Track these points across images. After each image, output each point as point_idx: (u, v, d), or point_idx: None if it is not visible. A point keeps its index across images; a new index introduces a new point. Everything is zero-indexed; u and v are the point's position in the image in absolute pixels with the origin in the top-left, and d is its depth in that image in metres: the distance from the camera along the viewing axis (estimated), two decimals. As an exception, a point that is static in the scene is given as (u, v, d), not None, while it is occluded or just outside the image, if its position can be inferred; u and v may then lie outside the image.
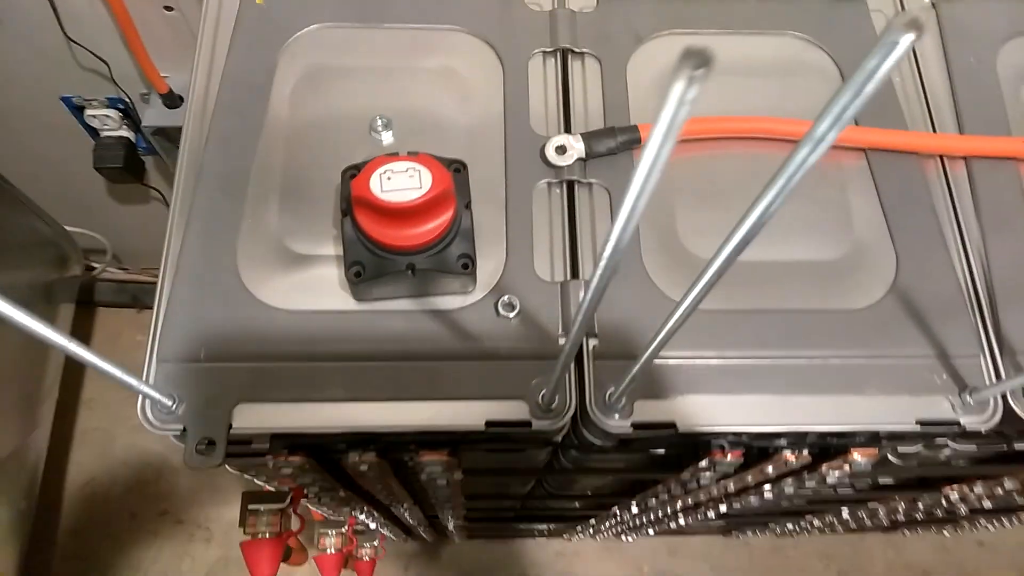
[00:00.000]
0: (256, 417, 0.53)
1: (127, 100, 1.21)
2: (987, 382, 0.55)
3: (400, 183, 0.50)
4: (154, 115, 1.17)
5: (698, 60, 0.18)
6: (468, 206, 0.57)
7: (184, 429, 0.52)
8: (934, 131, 0.64)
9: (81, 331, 1.80)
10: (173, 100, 1.13)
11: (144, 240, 1.57)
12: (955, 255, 0.60)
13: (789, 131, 0.62)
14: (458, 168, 0.57)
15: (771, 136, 0.62)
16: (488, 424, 0.53)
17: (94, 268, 1.66)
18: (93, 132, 1.27)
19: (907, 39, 0.16)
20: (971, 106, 0.64)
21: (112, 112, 1.22)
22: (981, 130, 0.63)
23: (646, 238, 0.59)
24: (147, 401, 0.52)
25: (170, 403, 0.51)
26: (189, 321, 0.55)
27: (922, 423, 0.54)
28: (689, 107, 0.19)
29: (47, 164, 1.36)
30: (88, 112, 1.22)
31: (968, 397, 0.54)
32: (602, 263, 0.28)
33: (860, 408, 0.54)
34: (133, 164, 1.29)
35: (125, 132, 1.27)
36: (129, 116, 1.24)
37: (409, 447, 0.60)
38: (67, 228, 1.46)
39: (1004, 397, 0.54)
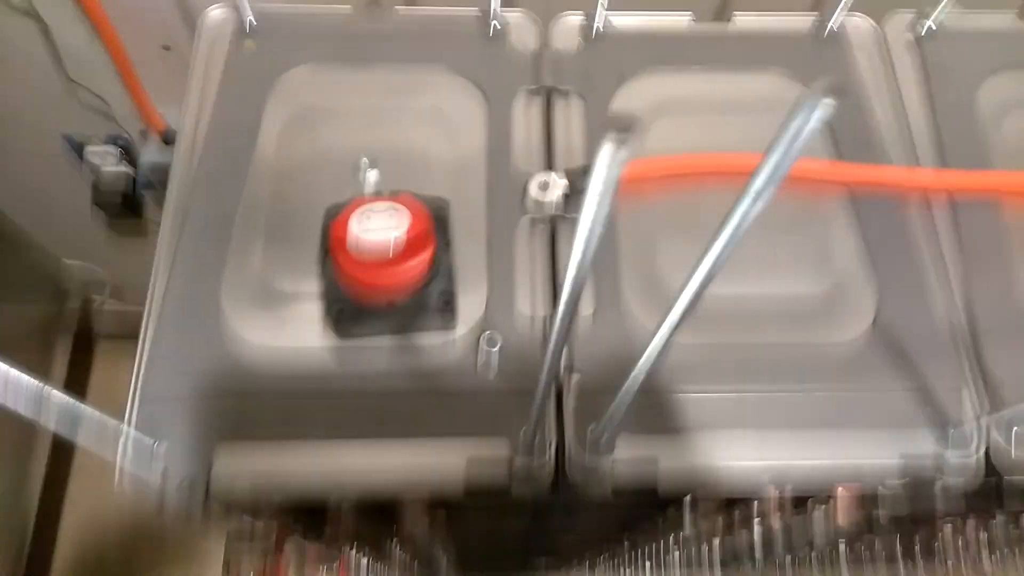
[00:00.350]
0: (237, 458, 0.53)
1: (127, 137, 1.22)
2: (970, 417, 0.55)
3: (379, 224, 0.51)
4: (152, 152, 1.18)
5: (623, 125, 0.18)
6: (449, 245, 0.57)
7: (165, 471, 0.52)
8: (917, 166, 0.64)
9: (81, 363, 1.80)
10: (171, 137, 1.14)
11: (145, 273, 1.58)
12: (937, 290, 0.60)
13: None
14: (439, 207, 0.57)
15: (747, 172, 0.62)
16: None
17: (93, 301, 1.67)
18: (93, 168, 1.28)
19: (827, 103, 0.16)
20: (953, 142, 0.65)
21: (112, 149, 1.24)
22: (964, 165, 0.64)
23: (627, 273, 0.59)
24: (128, 443, 0.52)
25: (150, 447, 0.51)
26: (172, 361, 0.56)
27: (906, 457, 0.54)
28: (620, 168, 0.19)
29: (46, 199, 1.38)
30: (88, 149, 1.24)
31: (952, 432, 0.53)
32: (557, 320, 0.28)
33: (844, 443, 0.54)
34: (132, 200, 1.30)
35: (125, 168, 1.28)
36: (129, 152, 1.26)
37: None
38: (67, 262, 1.47)
39: (988, 433, 0.54)
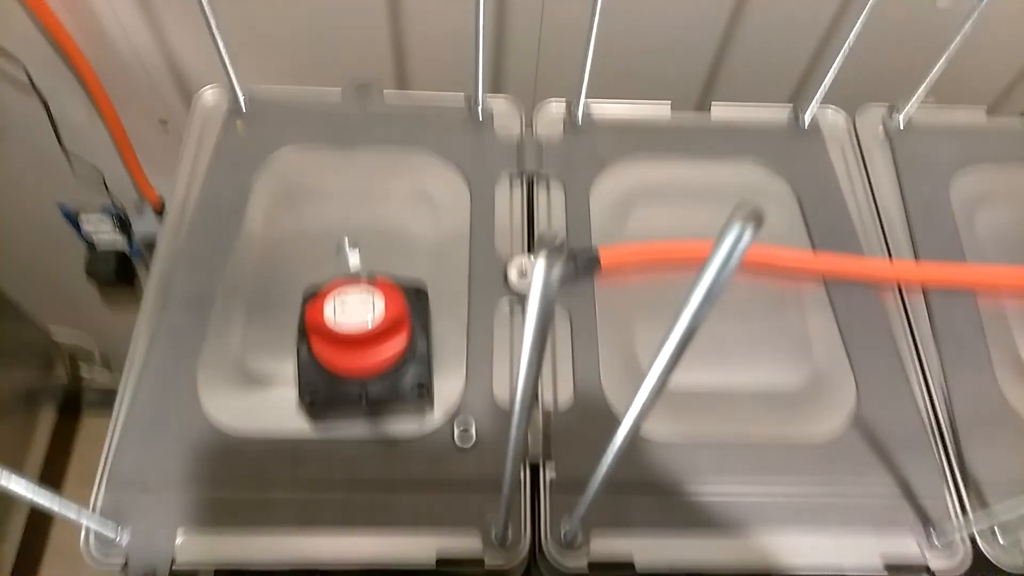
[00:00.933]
0: (201, 548, 0.52)
1: (122, 208, 1.24)
2: (952, 520, 0.53)
3: (354, 309, 0.51)
4: (146, 224, 1.20)
5: (552, 244, 0.18)
6: (426, 329, 0.57)
7: (126, 562, 0.50)
8: (891, 259, 0.65)
9: (64, 437, 1.77)
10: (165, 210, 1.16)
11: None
12: (916, 385, 0.59)
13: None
14: (417, 292, 0.58)
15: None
16: (439, 562, 0.52)
17: (81, 370, 1.66)
18: (88, 237, 1.30)
19: (750, 228, 0.17)
20: (926, 234, 0.65)
21: (106, 219, 1.25)
22: (937, 258, 0.64)
23: (606, 361, 0.59)
24: (90, 531, 0.51)
25: (113, 535, 0.50)
26: (142, 445, 0.55)
27: (887, 559, 0.52)
28: (555, 285, 0.19)
29: (37, 269, 1.39)
30: (83, 219, 1.25)
31: (934, 536, 0.52)
32: (513, 427, 0.28)
33: (824, 547, 0.53)
34: (125, 271, 1.31)
35: (119, 239, 1.29)
36: (124, 223, 1.27)
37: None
38: (56, 331, 1.46)
39: (971, 530, 0.53)
